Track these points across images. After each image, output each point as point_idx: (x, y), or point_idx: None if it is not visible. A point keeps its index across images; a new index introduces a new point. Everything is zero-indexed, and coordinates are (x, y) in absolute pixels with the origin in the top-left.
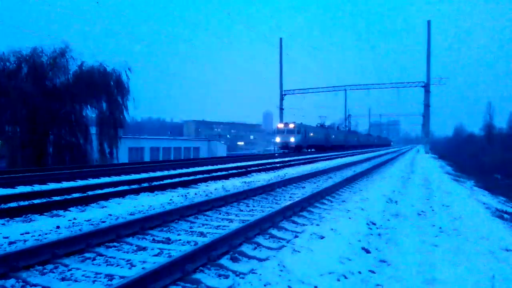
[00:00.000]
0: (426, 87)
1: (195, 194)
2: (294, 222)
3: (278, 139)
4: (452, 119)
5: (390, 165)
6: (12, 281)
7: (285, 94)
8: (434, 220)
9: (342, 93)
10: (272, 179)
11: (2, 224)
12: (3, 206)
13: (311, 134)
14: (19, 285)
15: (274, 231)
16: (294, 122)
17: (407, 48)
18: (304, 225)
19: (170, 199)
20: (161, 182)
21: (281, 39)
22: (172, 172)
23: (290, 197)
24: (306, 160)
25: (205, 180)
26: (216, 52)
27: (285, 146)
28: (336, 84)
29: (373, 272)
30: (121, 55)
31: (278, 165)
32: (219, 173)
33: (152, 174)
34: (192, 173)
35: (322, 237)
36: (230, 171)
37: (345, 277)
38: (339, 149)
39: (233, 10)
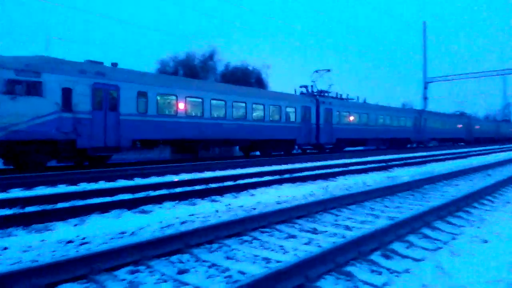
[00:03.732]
0: None
1: (335, 187)
2: (449, 222)
3: None
4: None
5: None
6: (187, 256)
7: (429, 82)
8: None
9: (499, 79)
10: (417, 175)
11: (173, 206)
12: (172, 191)
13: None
14: (193, 259)
15: (428, 231)
16: None
17: None
18: (461, 226)
19: (311, 191)
20: (301, 174)
21: (424, 23)
22: (310, 164)
23: (441, 195)
24: (454, 155)
25: (343, 173)
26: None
27: None
28: (491, 69)
29: None
30: (261, 52)
31: (423, 159)
32: (356, 167)
33: (291, 166)
34: (330, 166)
35: (485, 241)
36: (369, 165)
37: None
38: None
39: None
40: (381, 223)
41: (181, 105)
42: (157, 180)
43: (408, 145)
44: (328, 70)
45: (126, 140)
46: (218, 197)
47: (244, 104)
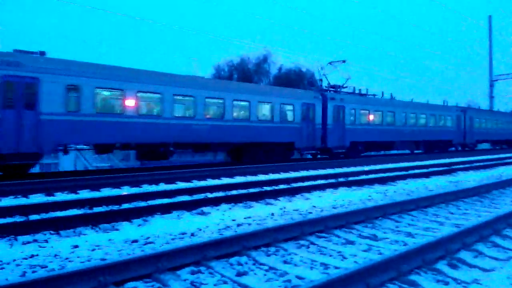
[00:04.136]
0: None
1: (394, 192)
2: None
3: None
4: None
5: None
6: (245, 258)
7: (495, 80)
8: None
9: None
10: (484, 180)
11: (229, 208)
12: (228, 193)
13: None
14: (251, 262)
15: (498, 240)
16: None
17: None
18: None
19: (369, 196)
20: (357, 178)
21: (490, 16)
22: (365, 167)
23: None
24: None
25: (403, 177)
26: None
27: None
28: None
29: None
30: (313, 53)
31: (488, 163)
32: (416, 171)
33: (345, 169)
34: (388, 169)
35: None
36: (430, 169)
37: None
38: None
39: None
40: (447, 230)
41: (130, 102)
42: (213, 182)
43: (453, 148)
44: (344, 61)
45: (49, 145)
46: (272, 200)
47: (221, 101)
